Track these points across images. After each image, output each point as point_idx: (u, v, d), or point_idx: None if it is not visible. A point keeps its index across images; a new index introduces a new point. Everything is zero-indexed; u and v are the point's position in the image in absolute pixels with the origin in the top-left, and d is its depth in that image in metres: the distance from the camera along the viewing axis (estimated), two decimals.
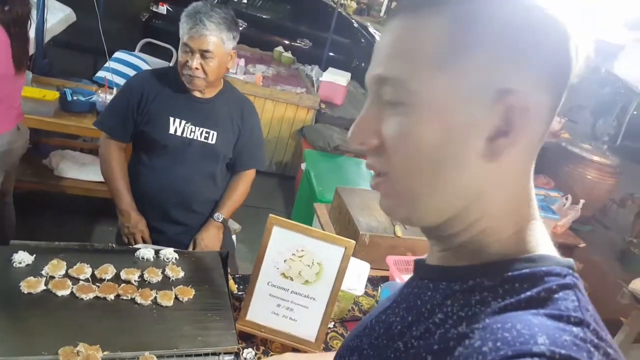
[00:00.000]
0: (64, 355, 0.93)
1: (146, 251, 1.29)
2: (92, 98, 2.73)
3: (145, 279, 1.20)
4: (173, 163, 1.66)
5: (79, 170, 2.89)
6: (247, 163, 1.81)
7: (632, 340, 2.49)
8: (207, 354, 1.04)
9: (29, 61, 2.05)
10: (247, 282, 1.35)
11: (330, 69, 4.54)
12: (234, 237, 2.05)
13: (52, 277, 1.12)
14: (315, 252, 1.21)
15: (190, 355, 1.02)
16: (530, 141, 0.45)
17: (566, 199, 3.31)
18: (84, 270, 1.16)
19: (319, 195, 2.90)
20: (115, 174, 1.68)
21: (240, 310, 1.23)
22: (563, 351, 0.36)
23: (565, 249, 2.76)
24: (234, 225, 1.87)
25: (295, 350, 1.22)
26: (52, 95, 2.58)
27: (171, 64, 3.64)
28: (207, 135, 1.67)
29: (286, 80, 4.40)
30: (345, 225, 1.97)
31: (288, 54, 5.10)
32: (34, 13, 2.12)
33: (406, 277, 1.63)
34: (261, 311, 1.22)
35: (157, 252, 1.31)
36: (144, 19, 5.13)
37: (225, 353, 1.05)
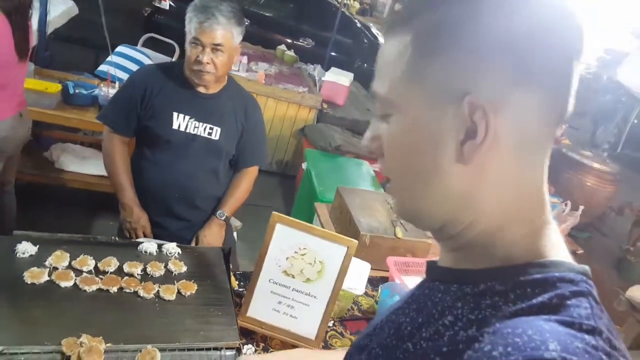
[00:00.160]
0: (67, 346, 0.93)
1: (149, 245, 1.29)
2: (94, 92, 2.73)
3: (148, 273, 1.21)
4: (176, 158, 1.66)
5: (80, 164, 2.89)
6: (250, 160, 1.81)
7: (627, 347, 2.50)
8: (209, 349, 1.04)
9: (30, 52, 2.06)
10: (248, 278, 1.36)
11: (333, 68, 4.55)
12: (235, 234, 2.05)
13: (55, 268, 1.12)
14: (318, 250, 1.21)
15: (192, 350, 1.03)
16: (513, 141, 0.45)
17: (565, 205, 3.32)
18: (88, 262, 1.16)
19: (320, 195, 2.90)
20: (118, 168, 1.68)
21: (240, 306, 1.24)
22: (574, 358, 0.36)
23: None
24: (235, 222, 1.87)
25: (295, 347, 1.23)
26: (55, 87, 2.58)
27: (173, 59, 3.64)
28: (210, 131, 1.67)
29: (288, 79, 4.40)
30: (346, 225, 1.97)
31: (291, 53, 5.10)
32: (36, 5, 2.13)
33: (406, 278, 1.64)
34: (262, 308, 1.23)
35: (159, 246, 1.31)
36: (146, 14, 5.13)
37: (227, 348, 1.05)
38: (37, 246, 1.16)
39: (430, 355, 0.44)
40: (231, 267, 1.37)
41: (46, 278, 1.09)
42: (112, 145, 1.69)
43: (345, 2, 6.01)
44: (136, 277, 1.18)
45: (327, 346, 1.31)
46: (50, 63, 3.25)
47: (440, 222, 0.49)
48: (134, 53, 3.21)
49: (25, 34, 1.96)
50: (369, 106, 4.91)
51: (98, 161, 2.89)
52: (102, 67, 3.09)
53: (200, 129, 1.66)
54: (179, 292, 1.17)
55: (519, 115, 0.44)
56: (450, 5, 0.44)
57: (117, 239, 1.37)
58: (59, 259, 1.14)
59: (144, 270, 1.21)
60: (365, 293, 1.57)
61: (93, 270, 1.16)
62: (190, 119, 1.64)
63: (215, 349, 1.05)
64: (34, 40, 2.21)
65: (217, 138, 1.68)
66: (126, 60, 3.11)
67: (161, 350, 0.99)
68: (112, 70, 2.69)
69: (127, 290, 1.13)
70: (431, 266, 0.56)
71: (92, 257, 1.18)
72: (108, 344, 0.96)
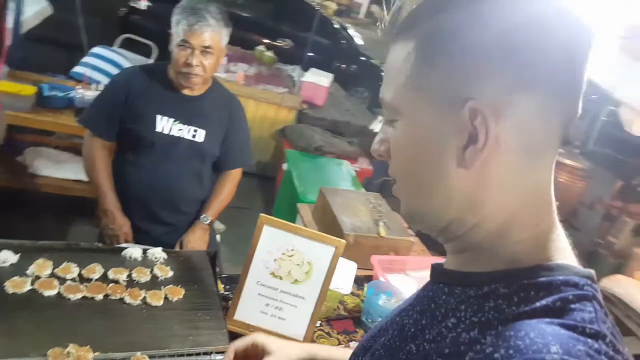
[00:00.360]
0: (53, 357, 0.91)
1: (134, 250, 1.28)
2: (70, 94, 2.67)
3: (134, 279, 1.19)
4: (160, 161, 1.64)
5: (55, 168, 2.82)
6: (234, 162, 1.80)
7: None
8: (198, 354, 1.04)
9: (4, 53, 1.99)
10: (233, 281, 1.35)
11: (312, 69, 4.56)
12: (217, 237, 2.04)
13: (38, 277, 1.10)
14: (306, 251, 1.22)
15: (182, 355, 1.02)
16: (516, 145, 0.45)
17: None
18: (71, 270, 1.14)
19: (301, 196, 2.91)
20: (99, 173, 1.64)
21: (227, 309, 1.23)
22: None
23: None
24: (219, 226, 1.87)
25: None
26: (29, 90, 2.52)
27: (151, 60, 3.59)
28: (195, 133, 1.65)
29: (268, 80, 4.38)
30: (329, 226, 1.98)
31: (270, 53, 5.08)
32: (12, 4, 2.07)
33: (390, 276, 1.66)
34: (250, 310, 1.23)
35: (144, 251, 1.30)
36: (122, 15, 5.03)
37: (217, 352, 1.05)
38: (19, 254, 1.13)
39: (432, 357, 0.45)
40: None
41: (29, 287, 1.06)
42: (93, 149, 1.66)
43: (322, 3, 6.03)
44: (122, 284, 1.16)
45: None
46: (23, 64, 3.17)
47: (444, 223, 0.50)
48: (110, 54, 3.15)
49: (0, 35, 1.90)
50: (348, 107, 4.94)
51: (74, 165, 2.83)
52: (77, 69, 3.02)
53: (184, 131, 1.64)
54: (166, 298, 1.16)
55: (521, 119, 0.44)
56: (451, 12, 0.45)
57: (100, 245, 1.34)
58: (42, 267, 1.12)
59: (130, 276, 1.19)
60: (351, 292, 1.58)
61: (77, 278, 1.14)
62: (174, 121, 1.62)
63: (205, 353, 1.04)
64: (8, 40, 2.14)
65: (201, 140, 1.66)
66: (102, 62, 3.04)
67: (151, 357, 0.98)
68: (88, 72, 2.63)
69: (113, 298, 1.12)
70: (436, 268, 0.56)
71: (75, 265, 1.15)
72: (96, 353, 0.95)
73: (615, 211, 4.10)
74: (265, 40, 5.58)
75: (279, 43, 5.82)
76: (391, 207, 2.11)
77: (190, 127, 1.65)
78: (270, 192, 4.04)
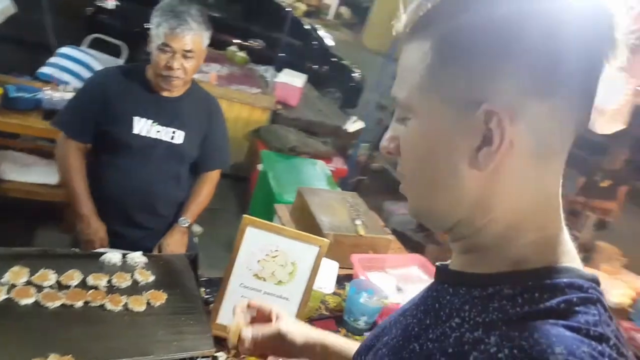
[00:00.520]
0: None
1: (113, 255, 1.25)
2: (37, 95, 2.58)
3: (114, 284, 1.16)
4: (137, 164, 1.61)
5: (21, 172, 2.72)
6: (212, 164, 1.79)
7: None
8: (184, 359, 1.02)
9: None
10: (214, 284, 1.34)
11: (285, 70, 4.55)
12: (195, 239, 2.02)
13: (13, 285, 1.06)
14: (289, 252, 1.22)
15: None
16: (529, 148, 0.45)
17: None
18: (49, 277, 1.10)
19: (278, 197, 2.90)
20: (74, 176, 1.60)
21: (209, 313, 1.22)
22: None
23: None
24: (197, 229, 1.85)
25: None
26: None
27: (122, 60, 3.51)
28: (173, 134, 1.63)
29: (240, 80, 4.35)
30: (308, 225, 1.99)
31: (242, 54, 5.04)
32: None
33: (370, 274, 1.68)
34: (232, 314, 1.22)
35: (124, 255, 1.27)
36: (89, 14, 4.90)
37: (202, 357, 1.04)
38: None
39: (436, 356, 0.45)
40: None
41: (4, 296, 1.02)
42: (68, 152, 1.61)
43: (292, 4, 6.04)
44: (102, 290, 1.14)
45: None
46: None
47: (452, 223, 0.50)
48: (79, 54, 3.06)
49: None
50: (321, 107, 4.96)
51: (42, 168, 2.74)
52: (45, 69, 2.92)
53: (162, 132, 1.61)
54: (148, 303, 1.14)
55: (535, 122, 0.44)
56: (469, 13, 0.45)
57: (78, 250, 1.31)
58: (17, 275, 1.08)
59: (110, 282, 1.17)
60: (333, 292, 1.59)
61: (55, 285, 1.10)
62: (152, 123, 1.59)
63: (191, 358, 1.03)
64: None
65: (180, 142, 1.64)
66: (71, 62, 2.95)
67: None
68: (57, 73, 2.56)
69: (93, 304, 1.09)
70: (441, 269, 0.56)
71: (53, 271, 1.12)
72: None
73: (578, 206, 4.25)
74: (237, 41, 5.54)
75: (251, 43, 5.79)
76: (368, 206, 2.14)
77: (168, 128, 1.62)
78: (244, 193, 4.01)
